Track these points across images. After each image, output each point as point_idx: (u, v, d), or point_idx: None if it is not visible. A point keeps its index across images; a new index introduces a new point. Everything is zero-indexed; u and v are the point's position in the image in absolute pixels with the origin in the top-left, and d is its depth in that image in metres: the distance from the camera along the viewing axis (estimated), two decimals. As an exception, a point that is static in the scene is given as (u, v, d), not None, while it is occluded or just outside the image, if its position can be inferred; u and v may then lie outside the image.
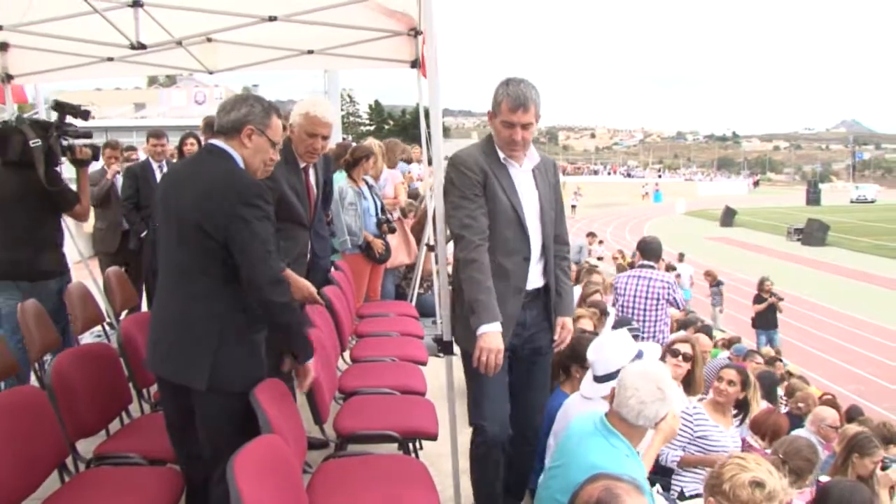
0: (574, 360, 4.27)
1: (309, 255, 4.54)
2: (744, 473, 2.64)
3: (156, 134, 7.35)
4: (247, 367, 3.02)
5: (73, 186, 5.10)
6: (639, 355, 3.80)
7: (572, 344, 4.27)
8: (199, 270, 2.94)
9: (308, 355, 3.16)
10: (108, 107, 46.97)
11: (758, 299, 16.62)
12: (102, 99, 49.34)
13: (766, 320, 16.50)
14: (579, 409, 3.82)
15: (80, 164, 5.02)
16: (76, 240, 7.28)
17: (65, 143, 4.86)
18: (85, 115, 5.04)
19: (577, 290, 7.64)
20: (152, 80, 59.28)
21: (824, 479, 4.39)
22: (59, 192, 4.86)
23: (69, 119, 4.91)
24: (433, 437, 3.95)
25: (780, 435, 5.44)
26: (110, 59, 6.02)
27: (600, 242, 26.14)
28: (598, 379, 3.79)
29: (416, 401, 4.40)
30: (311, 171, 4.49)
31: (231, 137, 3.05)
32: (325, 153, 4.92)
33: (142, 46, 4.80)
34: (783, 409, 8.27)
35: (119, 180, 7.80)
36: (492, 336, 3.28)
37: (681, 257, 22.70)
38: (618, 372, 3.61)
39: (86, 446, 3.56)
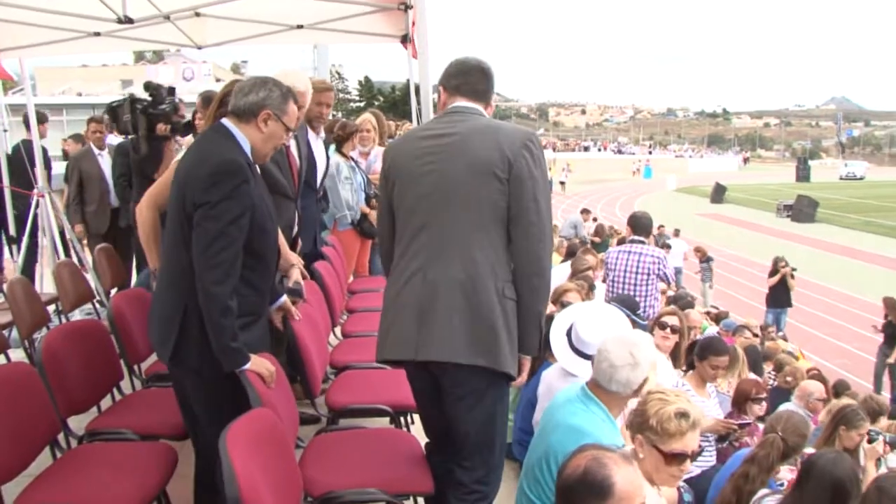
0: None
1: (297, 229, 4.53)
2: (668, 406, 2.72)
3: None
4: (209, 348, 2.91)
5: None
6: None
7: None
8: (183, 249, 2.91)
9: (230, 364, 2.90)
10: (95, 83, 46.40)
11: (772, 275, 16.64)
12: (89, 76, 48.76)
13: (778, 297, 16.53)
14: (560, 383, 3.88)
15: (160, 139, 5.89)
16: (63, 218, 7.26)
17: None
18: (168, 91, 5.97)
19: (568, 267, 7.67)
20: (139, 57, 58.69)
21: (809, 451, 4.44)
22: (140, 159, 5.91)
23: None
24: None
25: (741, 395, 5.51)
26: (97, 34, 5.95)
27: (594, 220, 26.20)
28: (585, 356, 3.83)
29: (407, 376, 4.42)
30: (293, 143, 4.48)
31: (246, 120, 3.02)
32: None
33: (129, 20, 4.78)
34: (772, 383, 8.37)
35: (104, 158, 7.73)
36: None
37: (676, 233, 22.77)
38: None
39: (77, 423, 3.57)
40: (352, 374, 4.37)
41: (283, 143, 3.17)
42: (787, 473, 4.31)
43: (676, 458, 2.72)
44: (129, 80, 48.62)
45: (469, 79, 3.08)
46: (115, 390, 3.96)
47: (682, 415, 2.72)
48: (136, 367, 4.29)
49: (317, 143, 5.14)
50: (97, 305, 6.30)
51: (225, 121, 3.04)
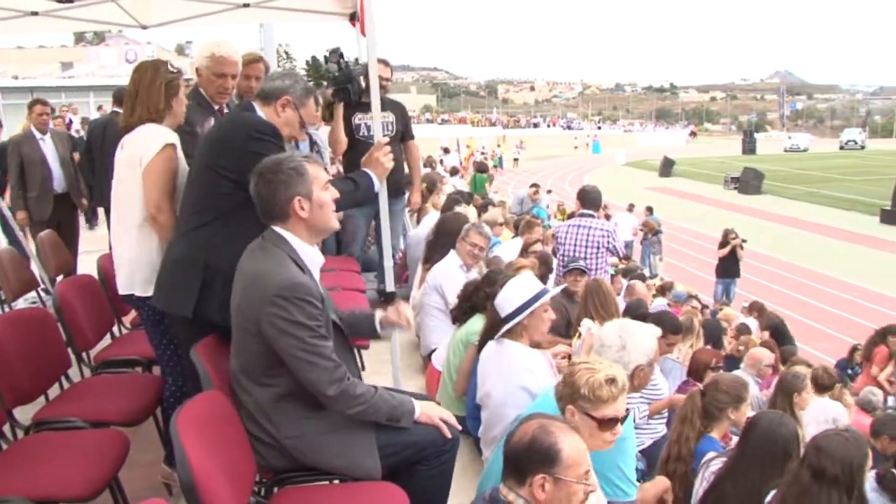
0: None
1: None
2: (597, 374, 2.80)
3: None
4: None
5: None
6: (542, 293, 3.94)
7: None
8: (203, 209, 3.21)
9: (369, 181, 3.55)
10: (33, 65, 45.02)
11: (723, 247, 17.00)
12: (25, 57, 47.23)
13: (728, 268, 16.94)
14: (495, 353, 4.02)
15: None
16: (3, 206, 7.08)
17: None
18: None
19: (519, 242, 7.72)
20: (80, 38, 57.09)
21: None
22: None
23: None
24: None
25: (700, 365, 5.63)
26: (34, 14, 5.75)
27: (548, 192, 26.34)
28: (505, 319, 3.92)
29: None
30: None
31: (267, 103, 3.28)
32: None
33: (68, -1, 4.64)
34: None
35: (47, 142, 7.55)
36: None
37: (630, 207, 23.12)
38: (519, 309, 3.85)
39: (24, 413, 3.51)
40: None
41: (297, 136, 3.43)
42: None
43: (609, 423, 2.79)
44: (69, 63, 47.30)
45: None
46: (63, 379, 3.88)
47: (612, 380, 2.79)
48: (84, 355, 4.22)
49: None
50: (42, 293, 6.16)
51: (253, 102, 3.33)
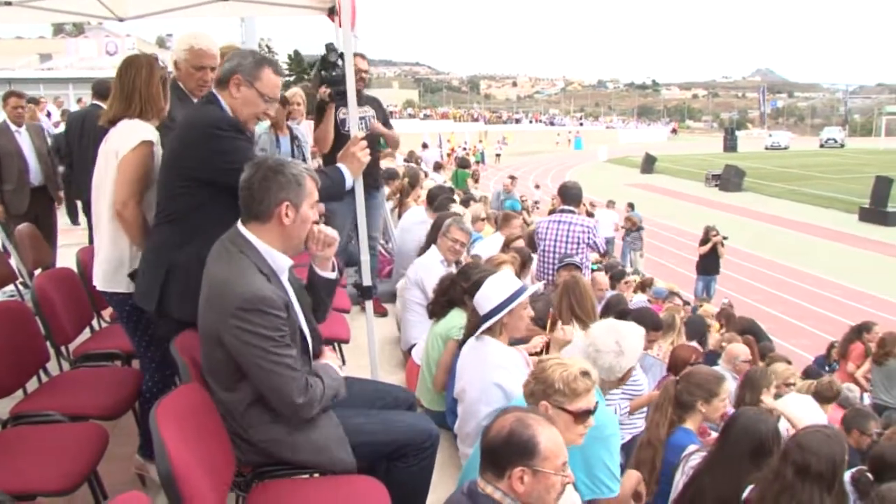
0: None
1: None
2: (571, 368, 2.84)
3: None
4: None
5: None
6: (520, 291, 3.95)
7: None
8: (167, 207, 3.22)
9: (340, 176, 3.53)
10: (10, 57, 44.42)
11: (704, 243, 17.07)
12: (2, 49, 46.63)
13: (708, 265, 17.02)
14: (473, 350, 4.04)
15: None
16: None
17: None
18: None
19: (500, 237, 7.73)
20: (59, 30, 56.50)
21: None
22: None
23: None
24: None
25: (680, 361, 5.68)
26: (8, 3, 5.67)
27: (536, 187, 26.30)
28: (484, 318, 3.95)
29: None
30: None
31: (223, 88, 3.21)
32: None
33: (40, -11, 4.60)
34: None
35: (22, 134, 7.48)
36: None
37: (611, 204, 23.20)
38: (498, 308, 3.86)
39: (2, 407, 3.50)
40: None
41: (263, 111, 3.27)
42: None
43: (583, 416, 2.83)
44: (47, 55, 46.75)
45: None
46: (41, 372, 3.87)
47: (586, 373, 2.84)
48: (63, 349, 4.20)
49: None
50: (20, 287, 6.12)
51: (213, 90, 3.29)
